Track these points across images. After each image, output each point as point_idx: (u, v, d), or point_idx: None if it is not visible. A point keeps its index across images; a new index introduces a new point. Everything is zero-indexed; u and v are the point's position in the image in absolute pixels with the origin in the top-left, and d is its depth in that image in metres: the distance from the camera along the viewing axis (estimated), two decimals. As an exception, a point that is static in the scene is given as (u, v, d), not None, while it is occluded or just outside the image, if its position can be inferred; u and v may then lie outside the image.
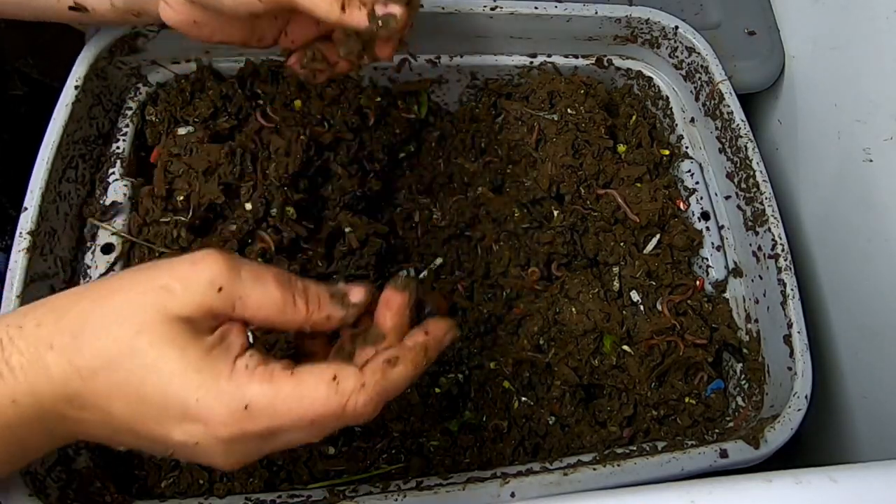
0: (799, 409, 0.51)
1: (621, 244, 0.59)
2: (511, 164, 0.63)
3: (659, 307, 0.57)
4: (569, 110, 0.63)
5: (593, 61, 0.68)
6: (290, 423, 0.33)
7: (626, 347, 0.55)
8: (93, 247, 0.52)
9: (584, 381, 0.55)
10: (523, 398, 0.54)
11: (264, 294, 0.35)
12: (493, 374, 0.56)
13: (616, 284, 0.58)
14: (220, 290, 0.34)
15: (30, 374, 0.33)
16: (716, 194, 0.63)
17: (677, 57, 0.66)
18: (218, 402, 0.32)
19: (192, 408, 0.32)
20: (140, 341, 0.32)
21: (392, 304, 0.38)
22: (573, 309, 0.56)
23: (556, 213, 0.60)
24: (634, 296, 0.57)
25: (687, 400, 0.55)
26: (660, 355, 0.55)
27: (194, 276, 0.34)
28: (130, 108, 0.58)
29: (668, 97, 0.67)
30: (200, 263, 0.34)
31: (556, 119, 0.63)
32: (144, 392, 0.32)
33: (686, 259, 0.60)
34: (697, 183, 0.62)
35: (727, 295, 0.60)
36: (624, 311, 0.56)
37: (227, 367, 0.33)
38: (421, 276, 0.60)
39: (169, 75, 0.60)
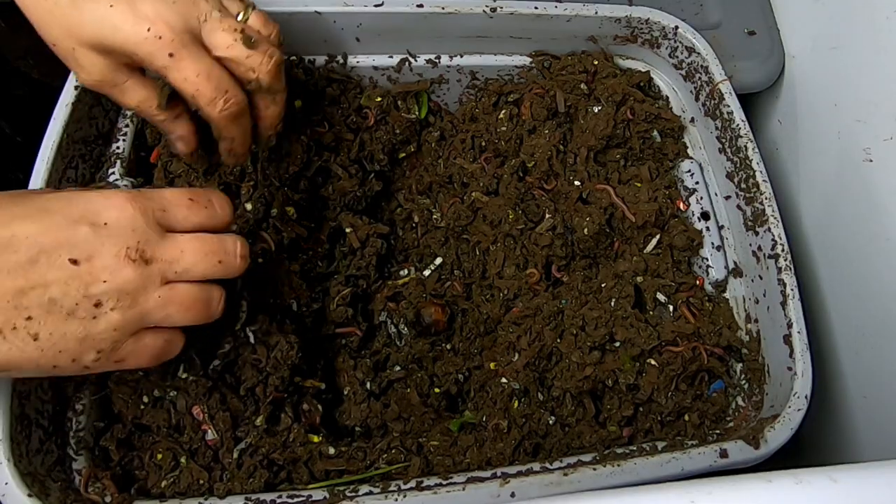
0: (799, 409, 0.51)
1: (620, 244, 0.59)
2: (511, 165, 0.63)
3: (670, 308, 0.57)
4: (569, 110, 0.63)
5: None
6: None
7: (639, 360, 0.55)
8: (93, 247, 0.52)
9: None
10: (523, 398, 0.54)
11: None
12: (492, 374, 0.56)
13: (616, 285, 0.58)
14: None
15: None
16: (716, 194, 0.63)
17: (677, 57, 0.66)
18: None
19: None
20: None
21: None
22: (572, 309, 0.56)
23: (547, 215, 0.60)
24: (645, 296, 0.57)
25: (689, 401, 0.55)
26: (659, 355, 0.55)
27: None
28: (131, 109, 0.58)
29: (668, 97, 0.67)
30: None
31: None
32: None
33: (686, 259, 0.60)
34: (697, 183, 0.62)
35: (727, 295, 0.60)
36: (624, 312, 0.56)
37: None
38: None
39: (169, 75, 0.60)
